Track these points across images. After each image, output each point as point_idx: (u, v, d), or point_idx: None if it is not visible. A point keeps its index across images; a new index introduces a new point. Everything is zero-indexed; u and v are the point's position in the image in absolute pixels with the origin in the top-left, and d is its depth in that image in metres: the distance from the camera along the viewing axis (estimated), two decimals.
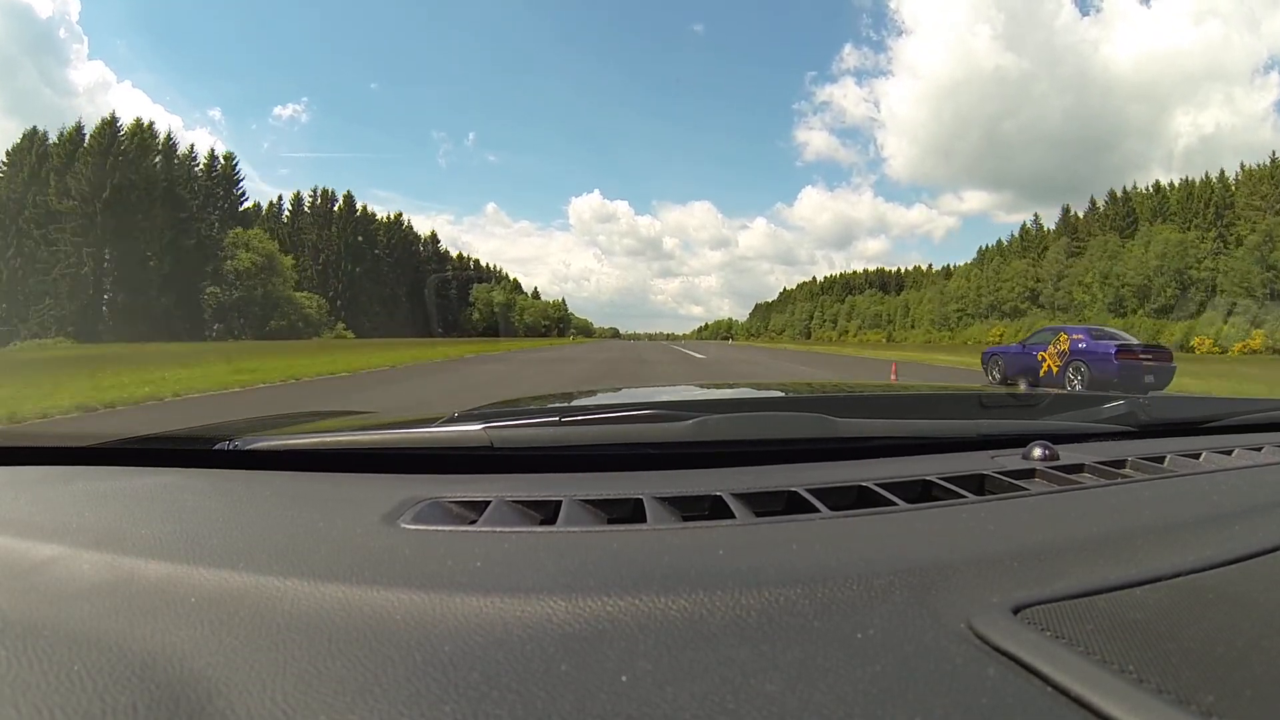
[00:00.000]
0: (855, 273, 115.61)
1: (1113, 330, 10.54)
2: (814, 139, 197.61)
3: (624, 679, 0.29)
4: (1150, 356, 8.96)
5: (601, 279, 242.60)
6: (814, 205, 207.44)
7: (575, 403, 1.08)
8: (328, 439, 0.73)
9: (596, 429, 0.71)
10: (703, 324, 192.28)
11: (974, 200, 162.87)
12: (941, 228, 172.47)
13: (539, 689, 0.28)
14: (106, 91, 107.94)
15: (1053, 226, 67.97)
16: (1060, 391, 1.04)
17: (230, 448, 0.69)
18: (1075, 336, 9.43)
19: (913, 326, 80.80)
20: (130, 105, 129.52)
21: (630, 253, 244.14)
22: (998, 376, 10.96)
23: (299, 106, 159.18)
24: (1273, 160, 49.33)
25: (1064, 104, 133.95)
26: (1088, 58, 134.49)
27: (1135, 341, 9.45)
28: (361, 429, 0.78)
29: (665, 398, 1.12)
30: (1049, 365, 9.62)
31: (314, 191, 69.88)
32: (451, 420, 0.71)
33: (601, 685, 0.28)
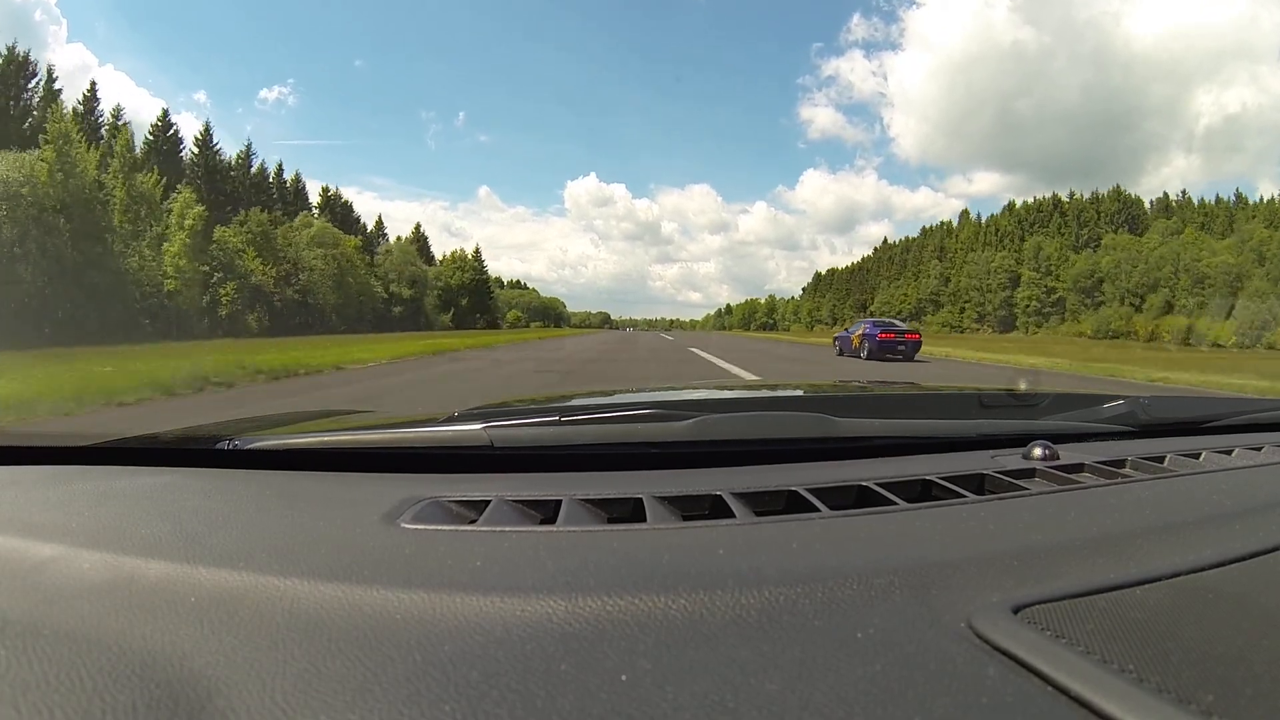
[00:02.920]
0: (1028, 204, 61.76)
1: (889, 320, 17.62)
2: (819, 116, 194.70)
3: (624, 678, 0.29)
4: (904, 335, 14.78)
5: (599, 265, 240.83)
6: (816, 188, 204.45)
7: (575, 402, 1.08)
8: (328, 439, 0.73)
9: (597, 428, 0.71)
10: (722, 306, 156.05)
11: (984, 182, 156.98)
12: (947, 211, 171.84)
13: (539, 688, 0.28)
14: (87, 76, 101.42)
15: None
16: (1060, 391, 1.05)
17: (230, 447, 0.69)
18: (865, 326, 15.69)
19: None
20: (113, 90, 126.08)
21: (628, 238, 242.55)
22: (837, 350, 17.16)
23: (285, 89, 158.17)
24: None
25: (1082, 81, 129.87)
26: (1108, 32, 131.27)
27: (900, 326, 15.53)
28: (361, 429, 0.78)
29: (665, 397, 1.13)
30: (855, 343, 15.57)
31: None
32: (451, 420, 0.71)
33: (601, 685, 0.28)
